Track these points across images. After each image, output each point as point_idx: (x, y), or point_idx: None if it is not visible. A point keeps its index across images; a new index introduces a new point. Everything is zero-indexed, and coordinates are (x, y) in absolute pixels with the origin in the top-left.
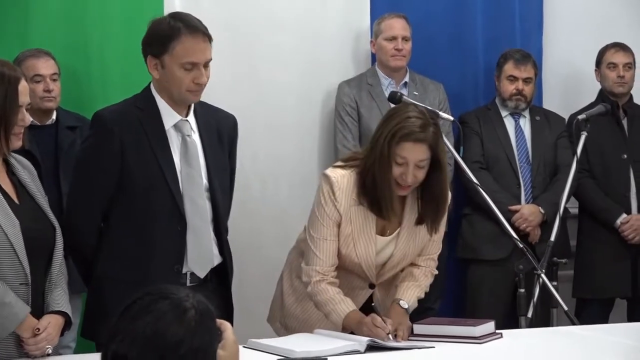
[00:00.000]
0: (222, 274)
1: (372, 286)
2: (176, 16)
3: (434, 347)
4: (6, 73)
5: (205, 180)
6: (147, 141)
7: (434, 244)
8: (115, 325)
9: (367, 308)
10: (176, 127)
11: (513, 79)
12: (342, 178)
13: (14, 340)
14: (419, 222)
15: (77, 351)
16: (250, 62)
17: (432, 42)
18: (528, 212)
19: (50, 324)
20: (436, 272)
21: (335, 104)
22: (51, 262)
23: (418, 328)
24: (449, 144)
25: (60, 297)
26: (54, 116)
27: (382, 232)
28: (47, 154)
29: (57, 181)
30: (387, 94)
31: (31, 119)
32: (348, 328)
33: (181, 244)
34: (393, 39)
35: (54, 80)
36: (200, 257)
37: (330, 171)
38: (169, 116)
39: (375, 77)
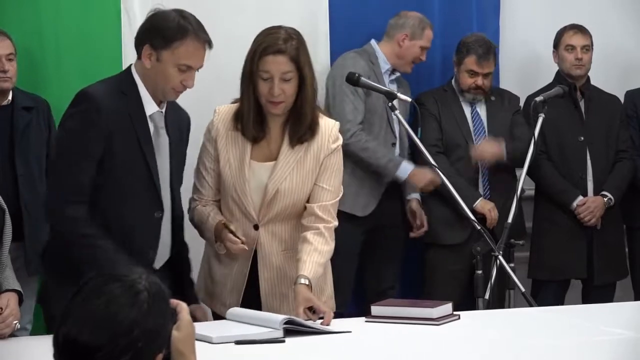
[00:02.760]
0: (176, 268)
1: (256, 227)
2: (185, 15)
3: (350, 331)
4: None
5: (168, 177)
6: (132, 126)
7: (326, 192)
8: (66, 308)
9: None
10: (152, 117)
11: (473, 73)
12: (225, 108)
13: None
14: (292, 144)
15: (32, 333)
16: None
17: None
18: (490, 206)
19: (10, 300)
20: (334, 223)
21: (340, 72)
22: (1, 244)
23: (375, 309)
24: (407, 125)
25: (10, 276)
26: (9, 97)
27: (261, 160)
28: (2, 135)
29: (12, 162)
30: (385, 79)
31: None
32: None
33: (157, 231)
34: (426, 49)
35: (10, 60)
36: (164, 246)
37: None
38: (149, 105)
39: (375, 58)
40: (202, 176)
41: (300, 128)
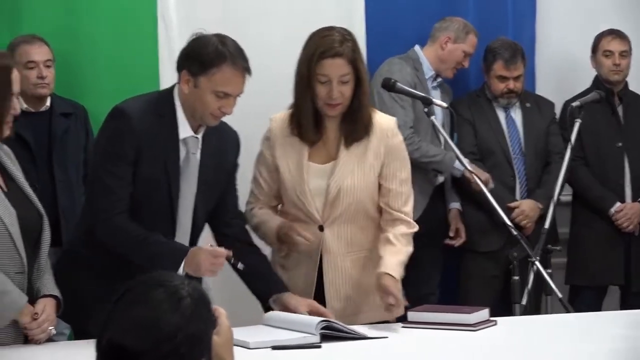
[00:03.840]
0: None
1: (321, 228)
2: (224, 41)
3: (387, 337)
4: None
5: (193, 201)
6: (161, 149)
7: (398, 195)
8: (110, 313)
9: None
10: (185, 141)
11: (503, 78)
12: (280, 115)
13: (12, 329)
14: (350, 143)
15: (70, 338)
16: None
17: (424, 28)
18: (528, 208)
19: (47, 306)
20: (414, 228)
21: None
22: (39, 248)
23: (412, 315)
24: (444, 133)
25: (49, 281)
26: (47, 103)
27: (319, 162)
28: (40, 141)
29: (50, 168)
30: (429, 84)
31: (22, 107)
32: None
33: None
34: (469, 55)
35: (48, 66)
36: None
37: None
38: (184, 129)
39: (419, 64)
40: (258, 183)
41: (358, 128)
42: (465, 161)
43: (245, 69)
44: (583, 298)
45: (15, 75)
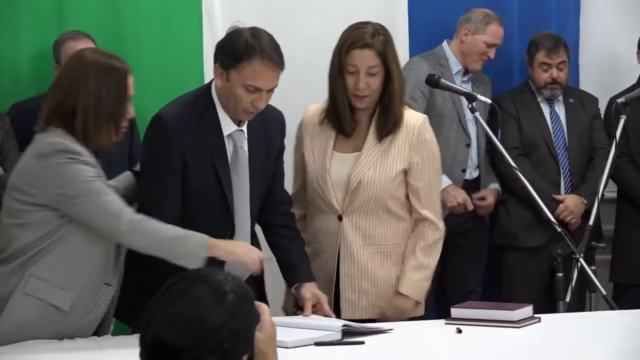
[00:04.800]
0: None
1: (340, 218)
2: (257, 34)
3: (392, 329)
4: (117, 66)
5: (248, 193)
6: (207, 150)
7: (425, 193)
8: (153, 308)
9: None
10: (230, 136)
11: (547, 67)
12: (313, 106)
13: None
14: (379, 137)
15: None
16: (287, 45)
17: None
18: (572, 204)
19: None
20: (441, 231)
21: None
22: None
23: (455, 312)
24: (487, 128)
25: None
26: None
27: (345, 152)
28: None
29: None
30: (455, 80)
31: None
32: None
33: None
34: (493, 45)
35: None
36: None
37: None
38: (227, 124)
39: (445, 60)
40: (295, 170)
41: (388, 122)
42: (509, 158)
43: (276, 62)
44: (628, 295)
45: (131, 79)
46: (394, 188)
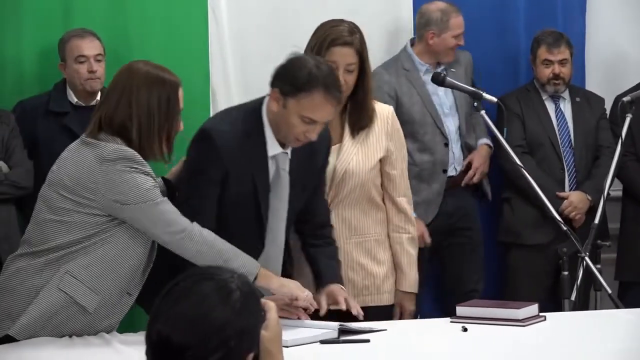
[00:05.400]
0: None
1: None
2: (320, 66)
3: (386, 329)
4: (167, 78)
5: (286, 214)
6: (250, 169)
7: (400, 180)
8: (159, 306)
9: None
10: (275, 157)
11: (548, 62)
12: None
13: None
14: (354, 131)
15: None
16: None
17: (472, 22)
18: (577, 200)
19: None
20: (413, 222)
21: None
22: None
23: (461, 310)
24: (492, 126)
25: None
26: (98, 97)
27: None
28: None
29: None
30: (424, 79)
31: (73, 101)
32: None
33: None
34: (460, 35)
35: (99, 61)
36: None
37: None
38: (273, 146)
39: (410, 62)
40: None
41: (362, 117)
42: (514, 156)
43: (337, 98)
44: (633, 294)
45: (181, 92)
46: (375, 176)
